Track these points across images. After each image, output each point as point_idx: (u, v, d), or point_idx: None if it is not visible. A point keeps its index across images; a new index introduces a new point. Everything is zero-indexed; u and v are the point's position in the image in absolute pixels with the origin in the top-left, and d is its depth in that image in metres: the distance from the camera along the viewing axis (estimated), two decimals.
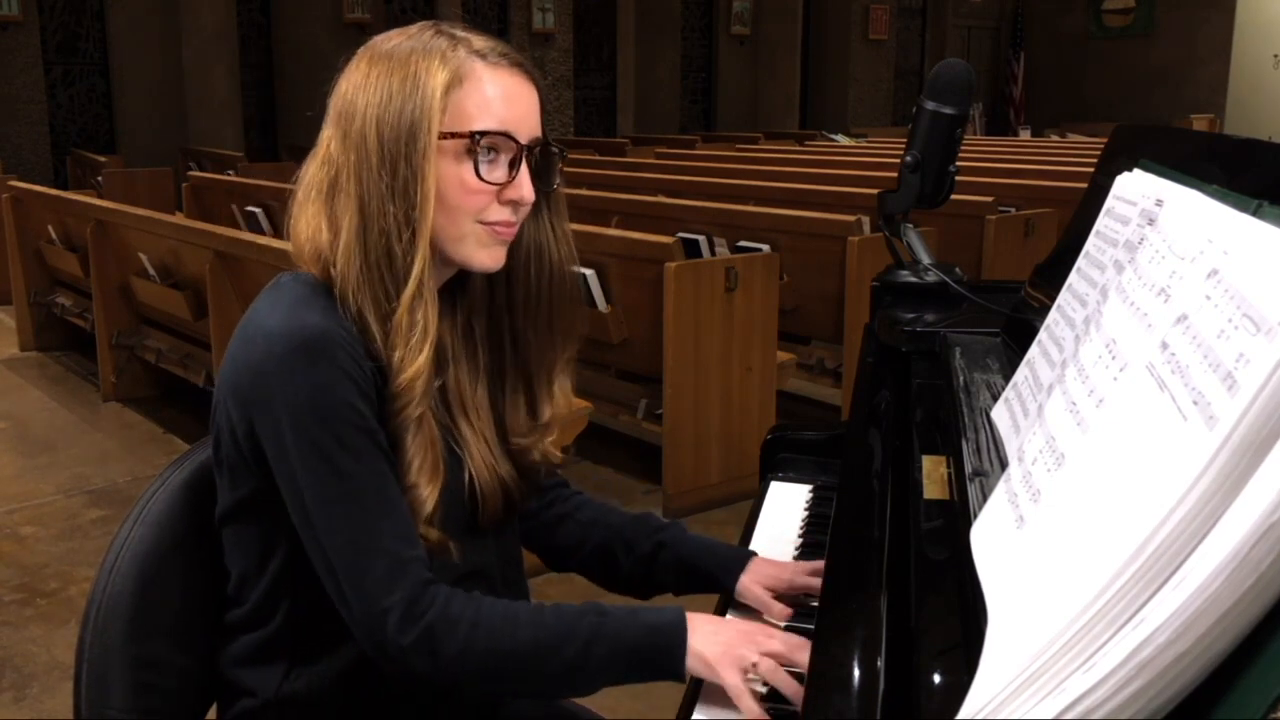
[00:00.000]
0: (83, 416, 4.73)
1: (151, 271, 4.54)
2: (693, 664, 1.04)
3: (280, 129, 10.31)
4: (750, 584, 1.23)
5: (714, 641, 1.04)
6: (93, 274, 4.86)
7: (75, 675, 1.15)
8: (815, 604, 1.17)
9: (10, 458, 4.22)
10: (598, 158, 8.72)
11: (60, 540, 3.43)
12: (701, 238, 4.41)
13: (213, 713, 1.23)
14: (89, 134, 9.63)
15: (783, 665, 1.03)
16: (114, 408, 4.84)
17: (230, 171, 7.53)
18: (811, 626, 1.12)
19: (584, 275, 3.68)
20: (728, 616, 1.23)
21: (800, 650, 1.03)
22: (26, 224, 5.76)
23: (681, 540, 1.28)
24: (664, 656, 1.04)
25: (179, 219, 4.91)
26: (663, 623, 1.05)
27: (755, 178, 6.19)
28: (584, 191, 5.70)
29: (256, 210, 5.75)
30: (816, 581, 1.21)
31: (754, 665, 1.02)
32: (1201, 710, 0.55)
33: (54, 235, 5.41)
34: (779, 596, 1.22)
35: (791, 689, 1.01)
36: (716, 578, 1.25)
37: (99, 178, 7.35)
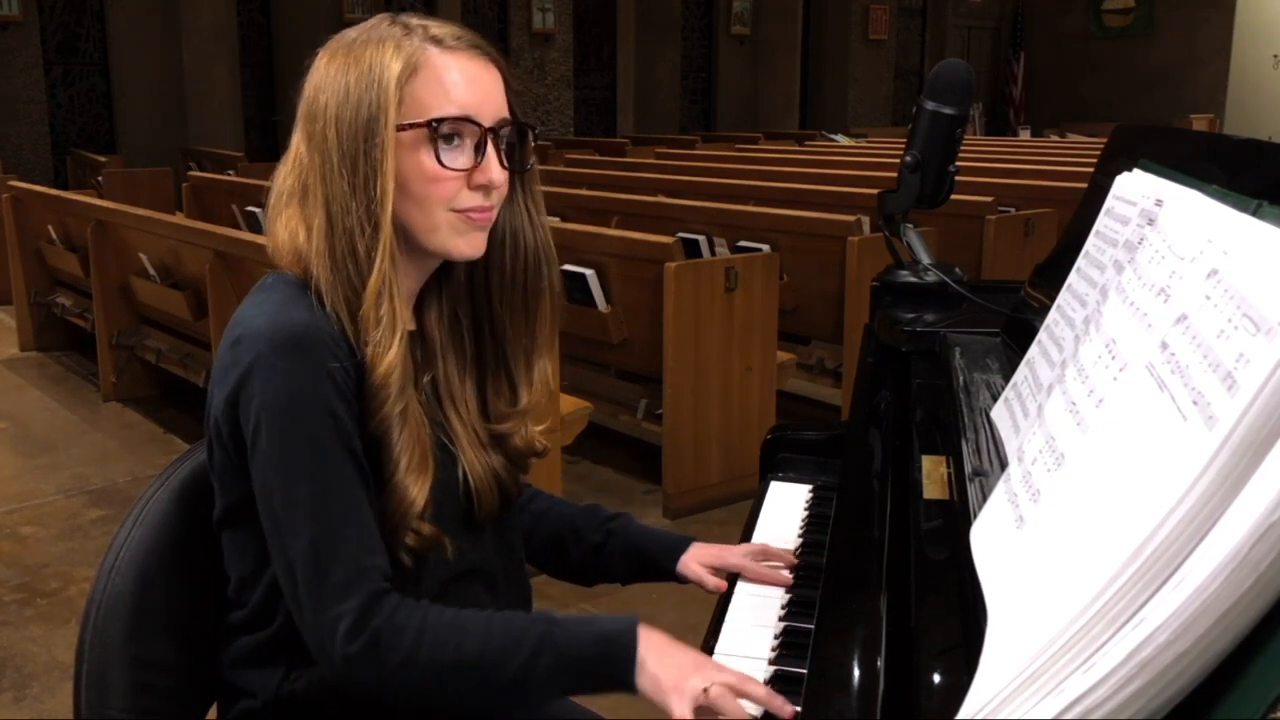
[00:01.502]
0: (83, 416, 4.73)
1: (151, 271, 4.54)
2: (644, 683, 1.01)
3: (280, 129, 10.29)
4: (689, 562, 1.30)
5: (666, 664, 1.01)
6: (93, 274, 4.86)
7: (75, 675, 1.15)
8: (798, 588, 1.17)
9: (10, 458, 4.22)
10: (598, 158, 8.72)
11: (60, 540, 3.43)
12: (701, 238, 4.41)
13: (213, 713, 1.23)
14: (89, 134, 9.63)
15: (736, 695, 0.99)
16: (114, 408, 4.83)
17: (230, 171, 7.53)
18: (809, 626, 1.12)
19: (584, 275, 3.68)
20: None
21: (749, 683, 1.00)
22: (26, 224, 5.76)
23: (628, 529, 1.32)
24: (614, 666, 1.01)
25: (179, 219, 4.91)
26: (614, 631, 1.02)
27: (755, 178, 6.19)
28: (584, 191, 5.70)
29: (256, 210, 5.75)
30: (748, 562, 1.29)
31: (704, 692, 0.98)
32: (1201, 710, 0.55)
33: (54, 235, 5.41)
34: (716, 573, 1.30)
35: (741, 716, 0.97)
36: (660, 561, 1.30)
37: (99, 178, 7.35)
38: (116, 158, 8.64)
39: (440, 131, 1.05)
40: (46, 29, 9.21)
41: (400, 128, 1.04)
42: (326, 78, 1.07)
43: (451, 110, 1.06)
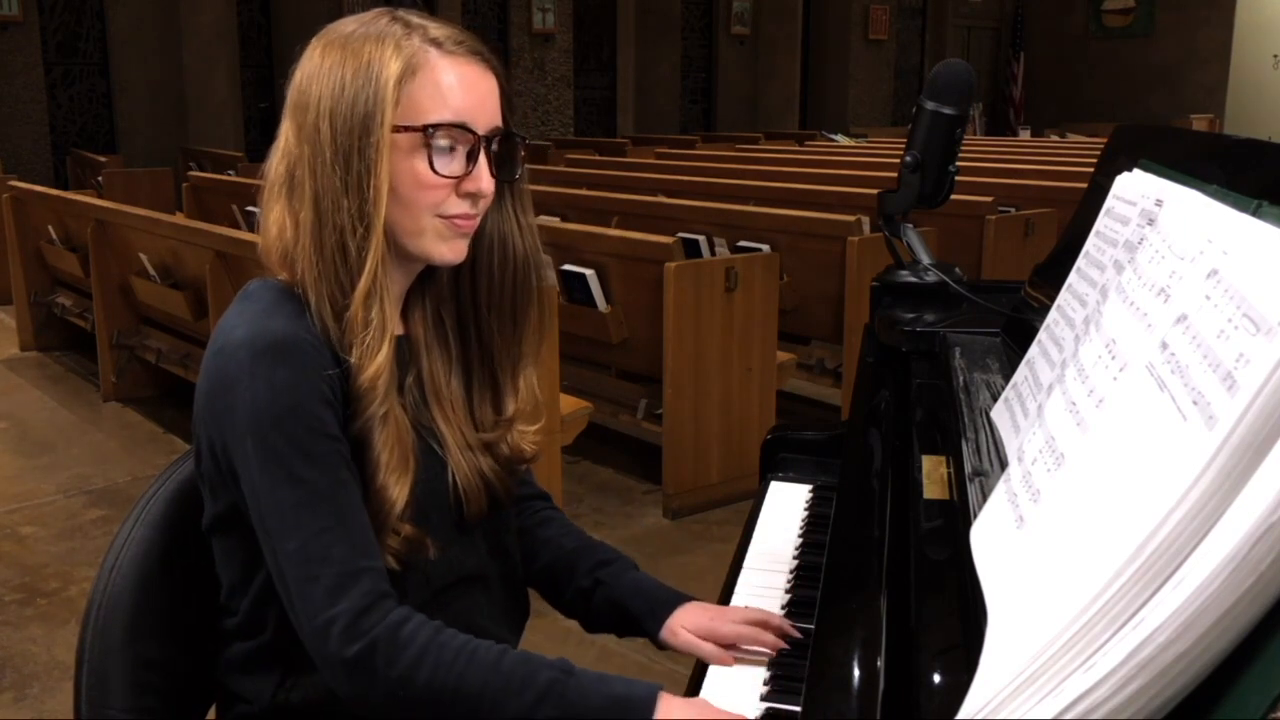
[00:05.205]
0: (83, 416, 4.73)
1: (151, 271, 4.54)
2: None
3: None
4: (676, 628, 1.17)
5: None
6: (93, 274, 4.86)
7: (75, 675, 1.15)
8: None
9: (10, 458, 4.22)
10: (598, 158, 8.71)
11: (60, 540, 3.43)
12: (701, 238, 4.41)
13: (213, 713, 1.23)
14: (89, 134, 9.63)
15: None
16: (114, 408, 4.83)
17: (230, 171, 7.53)
18: (809, 626, 1.12)
19: (584, 275, 3.68)
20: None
21: None
22: (26, 224, 5.76)
23: (617, 580, 1.23)
24: None
25: (179, 219, 4.90)
26: (631, 696, 0.97)
27: (755, 178, 6.19)
28: (584, 191, 5.70)
29: (256, 210, 5.72)
30: (750, 631, 1.14)
31: None
32: (1201, 710, 0.55)
33: (54, 235, 5.41)
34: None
35: None
36: (642, 623, 1.20)
37: (99, 178, 7.35)
38: (116, 158, 8.65)
39: (434, 137, 1.04)
40: (46, 29, 9.21)
41: (396, 129, 1.03)
42: (321, 69, 1.05)
43: (447, 116, 1.04)
